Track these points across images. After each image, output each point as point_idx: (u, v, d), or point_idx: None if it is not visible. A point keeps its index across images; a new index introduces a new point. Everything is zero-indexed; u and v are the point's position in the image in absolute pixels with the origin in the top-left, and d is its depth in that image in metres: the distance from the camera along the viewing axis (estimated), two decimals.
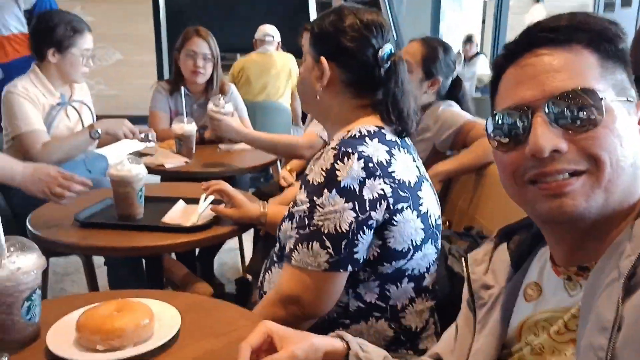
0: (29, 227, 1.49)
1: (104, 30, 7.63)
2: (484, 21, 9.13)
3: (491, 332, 0.74)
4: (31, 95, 2.10)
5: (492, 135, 0.69)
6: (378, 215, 1.08)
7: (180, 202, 1.61)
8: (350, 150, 1.08)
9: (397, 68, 1.21)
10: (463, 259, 0.85)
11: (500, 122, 0.68)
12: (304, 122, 4.19)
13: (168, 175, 2.27)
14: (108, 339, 0.88)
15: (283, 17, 8.15)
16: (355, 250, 1.08)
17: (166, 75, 8.11)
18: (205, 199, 1.55)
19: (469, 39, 7.37)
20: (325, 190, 1.07)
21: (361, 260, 1.11)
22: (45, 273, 2.44)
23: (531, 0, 8.66)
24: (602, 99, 0.62)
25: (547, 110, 0.64)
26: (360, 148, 1.09)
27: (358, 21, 1.18)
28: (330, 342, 0.80)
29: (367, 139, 1.12)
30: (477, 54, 7.35)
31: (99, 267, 2.06)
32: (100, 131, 2.12)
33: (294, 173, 2.47)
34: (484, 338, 0.75)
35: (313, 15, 8.27)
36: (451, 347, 0.86)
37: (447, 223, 1.95)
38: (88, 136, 2.12)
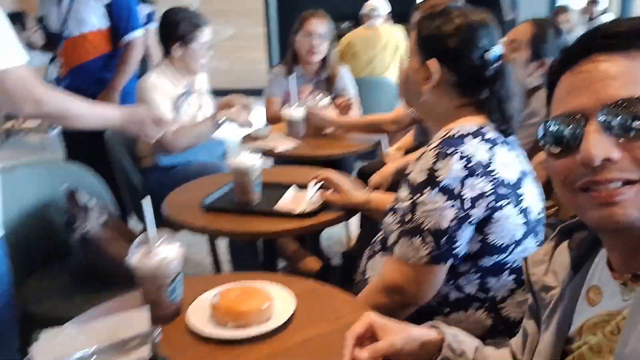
0: (164, 209, 1.71)
1: (217, 6, 8.02)
2: None
3: (553, 332, 0.76)
4: (160, 86, 2.34)
5: (544, 141, 0.69)
6: (478, 212, 1.12)
7: (293, 188, 1.75)
8: (450, 150, 1.12)
9: (505, 70, 1.22)
10: (524, 260, 0.86)
11: (553, 128, 0.68)
12: None
13: (279, 158, 2.44)
14: (237, 319, 1.04)
15: None
16: (454, 245, 1.14)
17: (275, 49, 8.36)
18: (313, 186, 1.67)
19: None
20: (427, 189, 1.13)
21: (461, 255, 1.16)
22: None
23: None
24: None
25: (600, 119, 0.63)
26: (461, 148, 1.13)
27: (467, 23, 1.19)
28: (426, 332, 0.88)
29: (467, 138, 1.16)
30: (603, 13, 6.72)
31: (220, 241, 2.31)
32: (223, 120, 2.33)
33: (401, 151, 2.53)
34: (547, 337, 0.77)
35: None
36: (520, 344, 0.89)
37: (556, 208, 1.92)
38: (212, 125, 2.34)
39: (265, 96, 2.91)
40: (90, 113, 1.58)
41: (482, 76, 1.20)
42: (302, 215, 1.58)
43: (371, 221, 1.68)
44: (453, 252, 1.15)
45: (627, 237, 0.65)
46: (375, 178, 2.07)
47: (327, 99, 2.54)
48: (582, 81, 0.66)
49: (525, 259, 0.86)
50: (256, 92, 8.01)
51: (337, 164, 2.56)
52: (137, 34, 2.68)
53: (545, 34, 1.95)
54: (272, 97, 2.87)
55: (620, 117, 0.62)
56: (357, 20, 4.80)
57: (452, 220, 1.12)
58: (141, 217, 2.47)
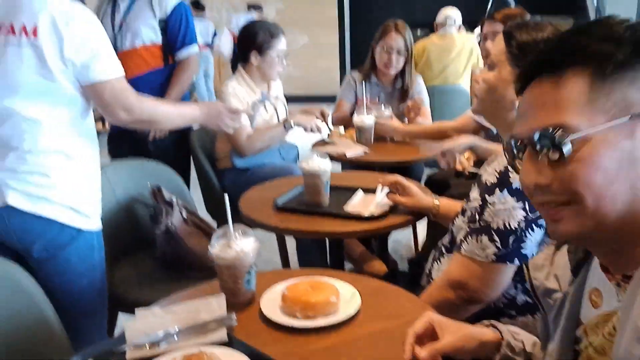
0: (240, 209, 1.82)
1: (292, 15, 8.24)
2: None
3: (561, 334, 0.77)
4: (238, 94, 2.48)
5: (507, 155, 0.74)
6: None
7: (360, 192, 1.81)
8: None
9: None
10: (524, 266, 0.87)
11: (507, 146, 0.73)
12: None
13: (348, 163, 2.50)
14: (305, 310, 1.11)
15: None
16: (522, 245, 1.16)
17: (348, 58, 8.47)
18: (382, 190, 1.72)
19: None
20: (497, 190, 1.17)
21: (529, 256, 1.17)
22: None
23: None
24: (579, 131, 0.62)
25: (531, 146, 0.67)
26: None
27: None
28: (485, 331, 0.91)
29: None
30: None
31: (288, 240, 2.40)
32: (293, 124, 2.45)
33: (471, 160, 2.52)
34: (556, 339, 0.78)
35: None
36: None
37: None
38: (283, 129, 2.47)
39: (338, 98, 3.00)
40: (175, 114, 1.73)
41: None
42: (370, 218, 1.63)
43: (438, 227, 1.70)
44: (521, 251, 1.17)
45: (592, 246, 0.69)
46: (448, 144, 2.08)
47: (389, 111, 2.62)
48: (523, 107, 0.70)
49: (526, 265, 0.87)
50: (329, 99, 8.19)
51: (406, 170, 2.59)
52: (191, 51, 2.52)
53: None
54: (344, 99, 2.95)
55: (543, 145, 0.65)
56: (431, 27, 4.80)
57: (520, 222, 1.15)
58: (215, 215, 2.65)
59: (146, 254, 1.92)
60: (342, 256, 2.03)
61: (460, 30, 4.40)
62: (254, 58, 2.49)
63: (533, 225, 1.15)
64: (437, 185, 2.40)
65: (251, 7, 7.70)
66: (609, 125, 0.62)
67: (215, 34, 7.75)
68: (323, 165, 1.72)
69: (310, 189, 1.75)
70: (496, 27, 2.27)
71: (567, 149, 0.63)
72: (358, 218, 1.65)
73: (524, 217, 1.15)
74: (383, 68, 2.80)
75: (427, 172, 3.15)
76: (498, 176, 1.18)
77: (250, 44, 2.48)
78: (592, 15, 7.65)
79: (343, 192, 1.82)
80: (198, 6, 6.91)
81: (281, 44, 2.52)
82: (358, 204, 1.73)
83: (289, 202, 1.81)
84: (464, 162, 2.53)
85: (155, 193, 1.85)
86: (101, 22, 1.58)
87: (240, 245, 1.15)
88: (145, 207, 1.95)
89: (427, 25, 6.24)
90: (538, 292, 0.84)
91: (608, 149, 0.62)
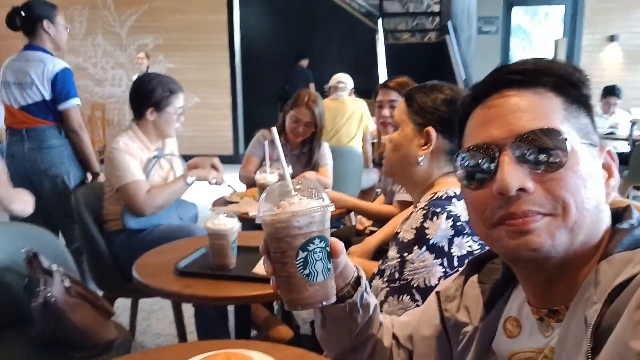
0: (135, 274, 1.64)
1: (183, 75, 8.16)
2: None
3: None
4: (131, 150, 2.31)
5: (460, 173, 0.70)
6: None
7: None
8: (439, 209, 1.16)
9: None
10: (435, 294, 0.86)
11: (468, 160, 0.69)
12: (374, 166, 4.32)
13: (251, 223, 2.41)
14: None
15: (354, 59, 8.40)
16: None
17: (240, 118, 8.51)
18: None
19: None
20: (416, 247, 1.15)
21: None
22: (134, 310, 2.63)
23: (605, 39, 8.41)
24: (566, 139, 0.63)
25: (513, 149, 0.64)
26: (449, 208, 1.17)
27: (456, 95, 1.28)
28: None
29: (454, 200, 1.19)
30: None
31: (185, 308, 2.21)
32: (194, 178, 2.36)
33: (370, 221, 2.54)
34: None
35: (382, 56, 8.42)
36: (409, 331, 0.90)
37: None
38: (183, 183, 2.36)
39: (247, 153, 2.98)
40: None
41: None
42: None
43: None
44: None
45: (541, 267, 0.66)
46: (357, 251, 2.03)
47: (290, 169, 2.60)
48: (494, 114, 0.68)
49: (437, 293, 0.85)
50: (221, 159, 8.08)
51: None
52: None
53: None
54: (253, 155, 2.93)
55: (532, 148, 0.64)
56: (322, 91, 4.98)
57: (440, 278, 1.13)
58: (102, 284, 2.39)
59: (19, 333, 1.64)
60: (249, 323, 1.89)
61: (351, 94, 4.59)
62: (150, 114, 2.35)
63: None
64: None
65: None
66: (585, 141, 0.65)
67: None
68: (230, 224, 1.61)
69: (215, 250, 1.63)
70: (390, 95, 2.34)
71: (560, 154, 0.63)
72: (267, 280, 1.54)
73: (443, 272, 1.13)
74: (291, 135, 2.86)
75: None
76: (415, 233, 1.17)
77: (147, 99, 2.34)
78: (451, 48, 8.46)
79: (251, 253, 1.72)
80: None
81: (179, 101, 2.42)
82: None
83: (191, 266, 1.67)
84: (364, 221, 2.55)
85: (30, 260, 1.61)
86: None
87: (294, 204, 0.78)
88: (19, 276, 1.69)
89: (319, 89, 6.49)
90: (448, 324, 0.82)
91: (587, 163, 0.64)
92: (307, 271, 0.73)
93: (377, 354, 0.90)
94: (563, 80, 0.67)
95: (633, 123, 5.24)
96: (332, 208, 0.76)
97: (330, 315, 0.84)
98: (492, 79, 0.71)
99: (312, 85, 8.19)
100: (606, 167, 0.68)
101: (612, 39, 8.36)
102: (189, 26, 8.32)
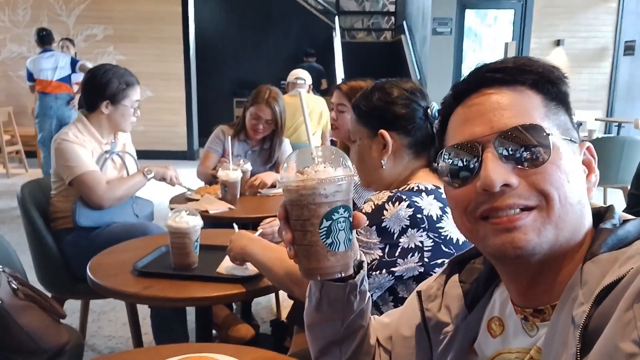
0: (89, 275, 1.55)
1: (135, 68, 7.92)
2: None
3: None
4: (81, 142, 2.20)
5: (442, 171, 0.70)
6: (405, 264, 1.13)
7: None
8: (404, 197, 1.15)
9: None
10: (417, 293, 0.85)
11: (450, 158, 0.69)
12: None
13: (211, 221, 2.34)
14: None
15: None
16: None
17: (195, 112, 8.32)
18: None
19: None
20: (368, 222, 1.13)
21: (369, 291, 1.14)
22: (85, 312, 2.50)
23: (552, 43, 8.76)
24: (549, 134, 0.64)
25: (496, 146, 0.65)
26: (415, 198, 1.15)
27: (403, 90, 1.29)
28: None
29: (423, 194, 1.18)
30: None
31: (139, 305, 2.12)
32: (152, 173, 2.29)
33: None
34: None
35: (338, 53, 8.42)
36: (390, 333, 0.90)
37: None
38: (142, 177, 2.28)
39: (205, 149, 2.89)
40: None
41: (430, 133, 1.27)
42: (246, 279, 1.49)
43: None
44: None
45: (526, 265, 0.66)
46: None
47: (249, 165, 2.60)
48: (476, 112, 0.68)
49: (419, 293, 0.84)
50: (175, 155, 7.90)
51: None
52: None
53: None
54: (211, 152, 2.86)
55: (515, 144, 0.64)
56: (280, 87, 4.92)
57: (374, 260, 1.12)
58: (50, 286, 2.26)
59: None
60: (211, 324, 1.83)
61: (309, 91, 4.55)
62: (105, 108, 2.24)
63: (384, 269, 1.13)
64: None
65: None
66: (566, 137, 0.66)
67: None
68: (192, 222, 1.55)
69: (177, 249, 1.56)
70: (340, 99, 2.30)
71: (542, 149, 0.63)
72: (231, 280, 1.50)
73: (379, 257, 1.13)
74: (250, 132, 2.81)
75: None
76: (373, 209, 1.15)
77: (102, 92, 2.23)
78: (407, 48, 8.56)
79: (214, 252, 1.66)
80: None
81: (136, 94, 2.32)
82: (232, 264, 1.58)
83: (151, 266, 1.59)
84: None
85: None
86: None
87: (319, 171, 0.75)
88: None
89: (276, 85, 6.41)
90: (430, 324, 0.81)
91: (569, 159, 0.65)
92: (329, 240, 0.73)
93: (364, 349, 0.88)
94: (542, 77, 0.68)
95: (578, 125, 5.46)
96: (356, 178, 0.75)
97: (328, 296, 0.82)
98: (472, 77, 0.71)
99: (324, 82, 7.99)
100: (586, 164, 0.69)
101: (558, 43, 8.72)
102: (141, 17, 8.06)
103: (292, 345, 1.79)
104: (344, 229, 0.73)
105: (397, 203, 1.14)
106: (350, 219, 0.75)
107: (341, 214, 0.73)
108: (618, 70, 8.92)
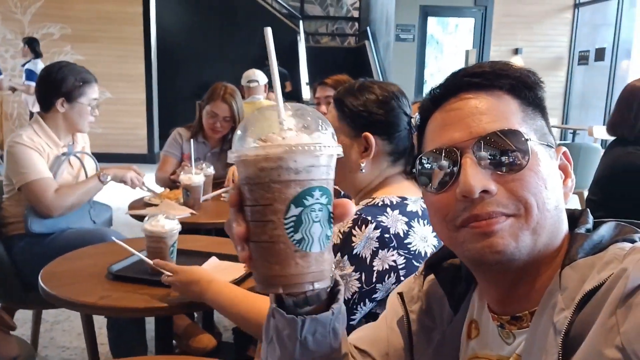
0: (41, 284, 1.47)
1: (94, 69, 7.70)
2: None
3: None
4: (36, 145, 2.10)
5: (421, 177, 0.69)
6: (385, 287, 1.11)
7: (214, 259, 1.62)
8: (369, 217, 1.11)
9: None
10: (399, 295, 0.82)
11: (429, 163, 0.68)
12: None
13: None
14: None
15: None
16: (352, 317, 1.11)
17: (155, 115, 8.15)
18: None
19: None
20: (339, 254, 1.10)
21: (355, 324, 1.11)
22: (37, 322, 2.39)
23: (510, 51, 9.00)
24: (527, 139, 0.64)
25: (475, 152, 0.64)
26: (380, 217, 1.12)
27: (387, 93, 1.24)
28: None
29: (388, 209, 1.15)
30: None
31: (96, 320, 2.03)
32: (109, 176, 2.19)
33: None
34: None
35: (303, 57, 8.41)
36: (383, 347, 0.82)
37: None
38: (98, 181, 2.18)
39: (162, 154, 2.81)
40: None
41: (410, 142, 1.24)
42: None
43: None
44: (349, 323, 1.10)
45: (504, 271, 0.65)
46: None
47: (211, 169, 2.51)
48: (454, 117, 0.67)
49: (400, 295, 0.81)
50: (135, 158, 7.69)
51: None
52: None
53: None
54: (170, 156, 2.78)
55: (494, 149, 0.64)
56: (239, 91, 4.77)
57: (354, 294, 1.09)
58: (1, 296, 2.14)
59: None
60: (171, 334, 1.76)
61: (265, 90, 4.39)
62: (60, 106, 2.15)
63: (366, 299, 1.10)
64: None
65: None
66: (543, 142, 0.66)
67: None
68: (169, 226, 1.49)
69: (153, 254, 1.48)
70: (327, 92, 2.31)
71: (521, 155, 0.63)
72: None
73: (358, 288, 1.09)
74: (209, 132, 2.75)
75: None
76: (341, 238, 1.12)
77: (56, 89, 2.14)
78: (371, 54, 8.63)
79: (193, 257, 1.60)
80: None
81: (94, 92, 2.23)
82: (214, 272, 1.51)
83: (125, 271, 1.52)
84: None
85: None
86: None
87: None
88: None
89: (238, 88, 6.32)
90: (414, 327, 0.79)
91: (546, 165, 0.65)
92: (299, 235, 0.51)
93: None
94: (519, 82, 0.68)
95: None
96: (339, 151, 0.56)
97: (313, 329, 0.59)
98: (449, 82, 0.70)
99: (288, 84, 7.90)
100: (562, 168, 0.69)
101: (516, 51, 8.97)
102: (101, 16, 7.84)
103: (256, 354, 1.74)
104: (319, 221, 0.52)
105: (363, 226, 1.10)
106: (330, 207, 0.54)
107: (317, 199, 0.52)
108: (573, 79, 9.25)
